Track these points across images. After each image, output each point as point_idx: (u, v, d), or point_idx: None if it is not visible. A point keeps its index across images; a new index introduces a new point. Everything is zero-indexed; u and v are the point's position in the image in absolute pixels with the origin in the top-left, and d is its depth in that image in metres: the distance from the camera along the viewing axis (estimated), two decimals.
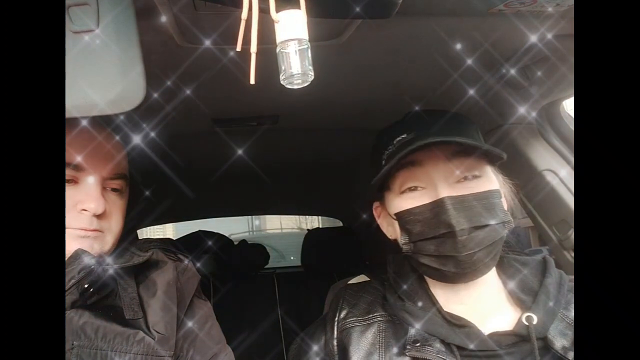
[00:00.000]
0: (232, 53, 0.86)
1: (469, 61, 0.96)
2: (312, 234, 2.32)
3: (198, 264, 0.95)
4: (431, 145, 0.78)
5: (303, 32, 0.57)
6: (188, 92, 1.01)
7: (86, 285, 0.77)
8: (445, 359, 0.78)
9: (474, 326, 0.81)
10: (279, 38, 0.57)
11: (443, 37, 0.87)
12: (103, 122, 0.85)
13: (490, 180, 0.83)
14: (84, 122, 0.79)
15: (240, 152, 1.47)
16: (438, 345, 0.80)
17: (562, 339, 0.79)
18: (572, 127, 1.18)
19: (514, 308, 0.84)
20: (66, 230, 0.77)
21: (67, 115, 0.60)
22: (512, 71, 1.03)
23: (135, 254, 0.86)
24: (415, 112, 0.89)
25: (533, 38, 0.88)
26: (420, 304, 0.85)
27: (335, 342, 0.88)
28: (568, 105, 1.19)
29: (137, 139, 0.93)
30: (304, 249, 2.29)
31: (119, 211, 0.86)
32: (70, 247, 0.78)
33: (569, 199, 1.15)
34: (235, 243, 2.32)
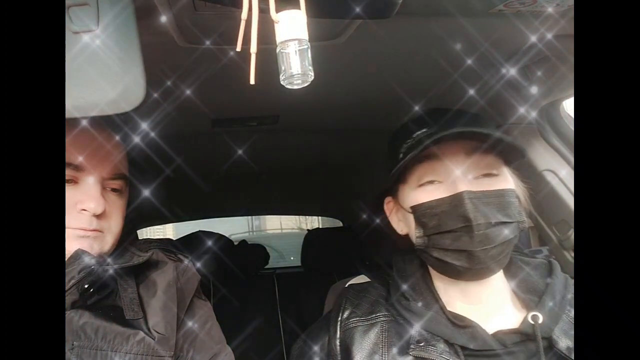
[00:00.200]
0: (232, 53, 0.86)
1: (469, 61, 0.96)
2: (312, 234, 2.32)
3: (198, 264, 0.94)
4: (456, 136, 0.78)
5: (303, 32, 0.57)
6: (188, 92, 1.01)
7: (86, 286, 0.77)
8: (449, 359, 0.78)
9: (478, 326, 0.81)
10: (279, 38, 0.57)
11: (443, 37, 0.87)
12: (103, 122, 0.85)
13: (507, 180, 0.83)
14: (84, 122, 0.79)
15: (240, 152, 1.47)
16: (442, 345, 0.80)
17: (566, 339, 0.79)
18: (572, 127, 1.18)
19: (518, 307, 0.84)
20: (66, 230, 0.77)
21: (67, 115, 0.60)
22: (512, 71, 1.03)
23: (135, 254, 0.86)
24: (436, 109, 0.90)
25: (533, 38, 0.88)
26: (424, 303, 0.85)
27: (338, 342, 0.88)
28: (568, 105, 1.19)
29: (137, 139, 0.93)
30: (304, 249, 2.29)
31: (118, 211, 0.86)
32: (70, 247, 0.78)
33: (569, 199, 1.15)
34: (235, 243, 2.32)
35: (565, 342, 0.79)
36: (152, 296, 0.83)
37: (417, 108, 0.90)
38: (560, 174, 1.16)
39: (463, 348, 0.79)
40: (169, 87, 0.97)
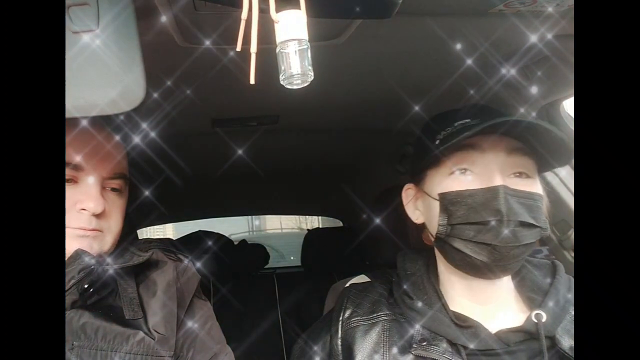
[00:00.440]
0: (232, 53, 0.86)
1: (469, 61, 0.96)
2: (312, 234, 2.32)
3: (198, 264, 0.94)
4: (509, 127, 0.77)
5: (303, 32, 0.57)
6: (188, 92, 1.01)
7: (86, 286, 0.77)
8: (451, 359, 0.78)
9: (481, 325, 0.81)
10: (278, 38, 0.57)
11: (443, 37, 0.87)
12: (103, 122, 0.85)
13: (538, 185, 0.83)
14: (84, 122, 0.79)
15: (240, 152, 1.47)
16: (444, 344, 0.80)
17: (569, 339, 0.79)
18: (572, 127, 1.18)
19: (522, 307, 0.85)
20: (65, 229, 0.77)
21: (67, 115, 0.60)
22: (512, 71, 1.02)
23: (135, 254, 0.86)
24: (480, 103, 0.89)
25: (533, 38, 0.88)
26: (428, 302, 0.85)
27: (339, 342, 0.88)
28: (568, 105, 1.19)
29: (137, 139, 0.93)
30: (304, 249, 2.29)
31: (118, 211, 0.86)
32: (70, 246, 0.78)
33: (569, 199, 1.15)
34: (235, 243, 2.32)
35: (568, 341, 0.79)
36: (152, 296, 0.83)
37: (417, 108, 0.90)
38: (560, 173, 1.16)
39: (465, 348, 0.79)
40: (169, 87, 0.97)
